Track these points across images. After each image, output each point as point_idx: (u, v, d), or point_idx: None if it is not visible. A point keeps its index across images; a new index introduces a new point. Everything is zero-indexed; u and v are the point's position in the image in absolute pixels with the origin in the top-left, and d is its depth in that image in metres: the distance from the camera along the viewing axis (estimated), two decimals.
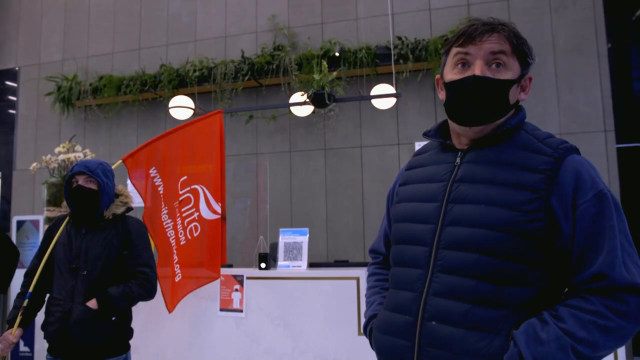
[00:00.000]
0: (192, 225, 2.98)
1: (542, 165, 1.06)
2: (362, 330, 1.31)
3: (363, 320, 2.88)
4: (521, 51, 1.13)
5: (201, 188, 3.00)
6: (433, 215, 1.14)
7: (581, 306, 1.00)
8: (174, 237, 2.97)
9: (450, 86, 1.15)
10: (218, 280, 3.11)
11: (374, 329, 1.24)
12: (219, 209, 3.00)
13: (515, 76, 1.12)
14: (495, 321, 1.03)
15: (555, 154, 1.07)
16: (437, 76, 1.24)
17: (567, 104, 4.64)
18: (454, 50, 1.15)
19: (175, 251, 2.96)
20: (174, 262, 2.96)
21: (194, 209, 2.99)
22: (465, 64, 1.13)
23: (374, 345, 1.24)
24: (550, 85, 4.68)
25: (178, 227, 2.97)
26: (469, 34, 1.12)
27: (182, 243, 2.97)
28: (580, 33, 4.66)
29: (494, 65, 1.11)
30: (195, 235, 2.98)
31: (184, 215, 2.98)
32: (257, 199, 5.29)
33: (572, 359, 0.97)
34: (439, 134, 1.25)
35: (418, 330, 1.09)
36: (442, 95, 1.21)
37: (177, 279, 2.95)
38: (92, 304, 2.18)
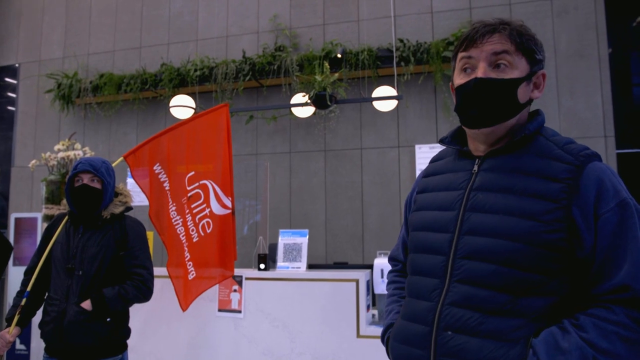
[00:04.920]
0: (204, 221, 2.92)
1: (562, 173, 1.04)
2: (380, 340, 1.30)
3: (361, 323, 2.87)
4: (527, 49, 1.11)
5: (210, 183, 2.94)
6: (450, 224, 1.12)
7: (604, 316, 0.98)
8: (184, 234, 2.90)
9: (457, 91, 1.16)
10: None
11: (391, 337, 1.22)
12: (229, 204, 2.94)
13: (522, 74, 1.10)
14: (512, 330, 1.01)
15: (576, 162, 1.04)
16: (450, 83, 1.24)
17: (567, 109, 4.65)
18: (460, 55, 1.16)
19: (186, 249, 2.90)
20: (186, 259, 2.90)
21: (204, 205, 2.93)
22: (469, 67, 1.13)
23: (390, 354, 1.22)
24: (551, 90, 4.69)
25: (189, 223, 2.91)
26: (471, 38, 1.12)
27: (194, 240, 2.91)
28: (582, 38, 4.67)
29: (498, 66, 1.10)
30: (208, 232, 2.91)
31: (194, 211, 2.92)
32: (256, 200, 5.28)
33: None
34: (455, 140, 1.24)
35: (433, 339, 1.07)
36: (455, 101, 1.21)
37: (190, 277, 2.89)
38: (87, 304, 2.16)
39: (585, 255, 1.02)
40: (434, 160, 1.33)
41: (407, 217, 1.36)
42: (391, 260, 1.47)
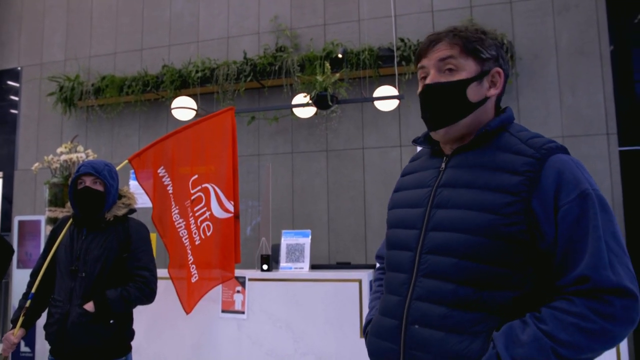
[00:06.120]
0: (205, 224, 2.95)
1: (523, 166, 1.06)
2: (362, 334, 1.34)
3: (364, 323, 2.87)
4: (471, 50, 1.15)
5: (212, 187, 2.97)
6: (418, 221, 1.17)
7: (564, 308, 0.99)
8: (187, 237, 2.93)
9: (419, 99, 1.24)
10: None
11: (368, 332, 1.27)
12: (231, 208, 2.96)
13: (470, 75, 1.14)
14: (474, 323, 1.03)
15: (537, 155, 1.06)
16: None
17: (569, 107, 4.64)
18: (418, 67, 1.24)
19: (190, 251, 2.93)
20: (190, 262, 2.92)
21: (205, 208, 2.96)
22: (425, 76, 1.20)
23: (367, 347, 1.26)
24: (553, 87, 4.68)
25: (191, 226, 2.94)
26: (421, 50, 1.21)
27: (196, 243, 2.93)
28: (583, 35, 4.66)
29: (446, 71, 1.16)
30: (208, 234, 2.94)
31: (196, 214, 2.95)
32: (259, 201, 5.29)
33: None
34: (428, 140, 1.28)
35: (403, 333, 1.12)
36: None
37: (193, 280, 2.92)
38: (89, 306, 2.17)
39: (547, 247, 1.03)
40: (411, 160, 1.38)
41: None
42: (377, 258, 1.51)
